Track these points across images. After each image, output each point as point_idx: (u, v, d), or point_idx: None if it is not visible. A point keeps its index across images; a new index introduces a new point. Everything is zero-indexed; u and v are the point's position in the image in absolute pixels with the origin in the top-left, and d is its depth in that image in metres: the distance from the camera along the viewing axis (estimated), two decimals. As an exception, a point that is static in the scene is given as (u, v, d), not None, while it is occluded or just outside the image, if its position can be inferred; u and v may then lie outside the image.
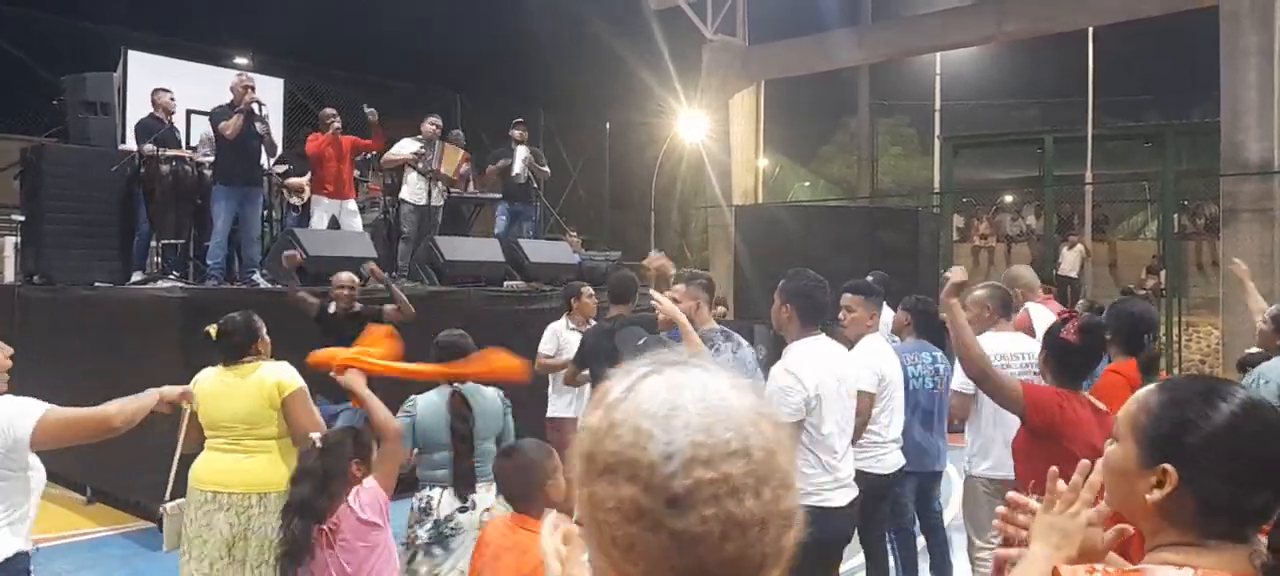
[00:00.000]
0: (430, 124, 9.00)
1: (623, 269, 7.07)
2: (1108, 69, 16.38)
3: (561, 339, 6.15)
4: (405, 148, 8.92)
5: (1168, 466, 1.18)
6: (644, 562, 0.77)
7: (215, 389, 3.81)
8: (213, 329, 3.86)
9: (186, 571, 3.69)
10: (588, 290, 6.42)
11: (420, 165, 8.83)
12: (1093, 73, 15.89)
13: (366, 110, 8.25)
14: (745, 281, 10.46)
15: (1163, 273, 14.94)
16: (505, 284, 8.54)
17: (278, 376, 3.79)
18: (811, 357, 3.40)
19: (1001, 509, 1.46)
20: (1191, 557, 1.15)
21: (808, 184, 26.41)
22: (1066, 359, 2.97)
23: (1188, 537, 1.17)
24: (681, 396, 0.80)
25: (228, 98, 7.66)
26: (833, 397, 3.40)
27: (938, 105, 20.77)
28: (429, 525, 3.53)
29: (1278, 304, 4.10)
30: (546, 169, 9.98)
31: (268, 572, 3.55)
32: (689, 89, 17.30)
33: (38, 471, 2.85)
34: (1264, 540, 1.16)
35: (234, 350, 3.84)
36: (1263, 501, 1.14)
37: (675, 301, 3.67)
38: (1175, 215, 16.86)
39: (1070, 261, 15.27)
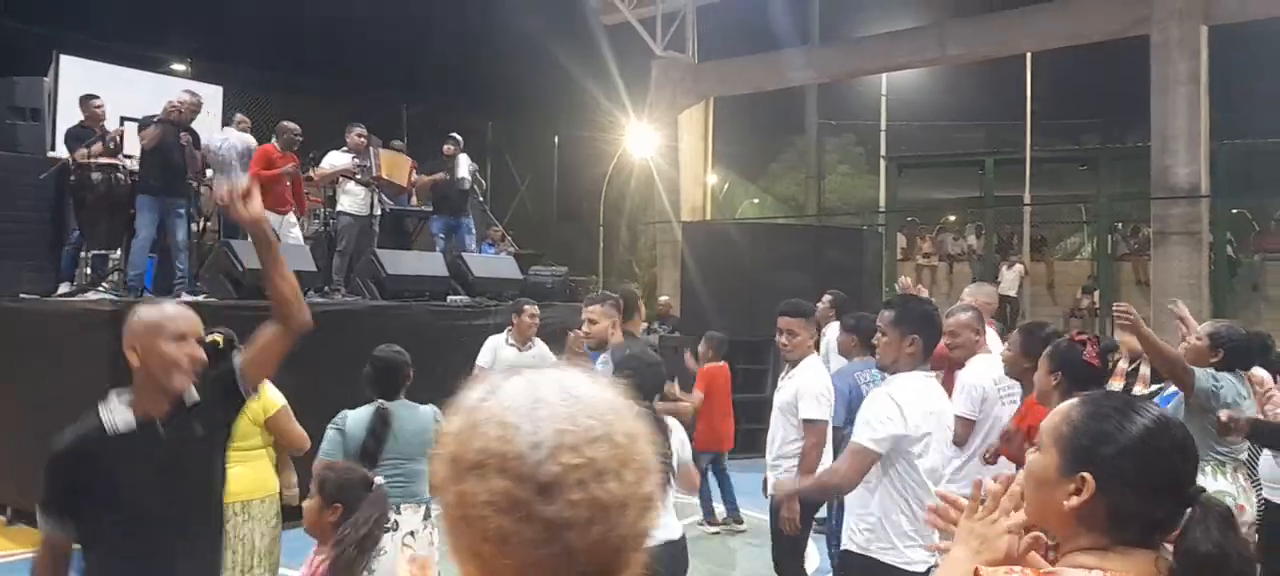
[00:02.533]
0: (357, 134, 8.80)
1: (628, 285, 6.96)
2: (1046, 93, 16.81)
3: (498, 354, 6.10)
4: (339, 160, 8.73)
5: (1086, 474, 1.24)
6: (519, 553, 0.80)
7: None
8: (219, 337, 3.74)
9: None
10: (531, 310, 6.39)
11: (360, 175, 8.67)
12: (1031, 97, 16.29)
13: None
14: (694, 296, 10.50)
15: (1097, 293, 15.34)
16: (448, 299, 8.43)
17: (260, 391, 3.74)
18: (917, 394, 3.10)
19: (932, 504, 1.51)
20: (1103, 561, 1.21)
21: (756, 201, 26.63)
22: (1090, 383, 2.89)
23: (1100, 542, 1.23)
24: (543, 392, 0.84)
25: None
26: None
27: (883, 125, 21.12)
28: None
29: (1212, 322, 4.21)
30: (484, 182, 9.89)
31: None
32: (638, 104, 17.34)
33: None
34: (1170, 547, 1.23)
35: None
36: (1168, 511, 1.21)
37: (592, 322, 3.66)
38: (1109, 236, 17.36)
39: (1010, 280, 15.61)
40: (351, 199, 8.68)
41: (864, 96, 21.59)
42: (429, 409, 3.84)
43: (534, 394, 0.84)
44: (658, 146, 16.90)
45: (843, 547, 3.19)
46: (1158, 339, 3.62)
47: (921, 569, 2.97)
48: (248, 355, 2.51)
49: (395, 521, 3.52)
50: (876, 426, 2.95)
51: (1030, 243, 17.11)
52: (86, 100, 7.90)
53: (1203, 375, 3.59)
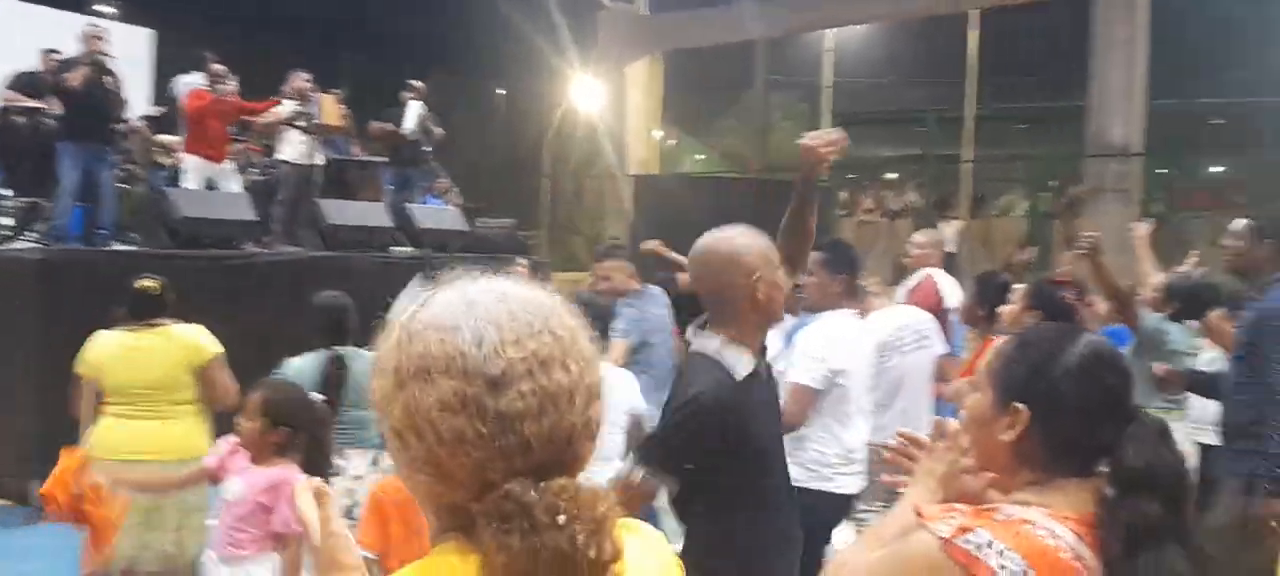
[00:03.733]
0: (301, 80, 8.54)
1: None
2: (989, 52, 17.03)
3: None
4: (278, 106, 8.49)
5: (1018, 404, 1.24)
6: (474, 451, 0.81)
7: (122, 353, 3.60)
8: (153, 283, 3.64)
9: None
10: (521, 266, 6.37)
11: (301, 122, 8.43)
12: (976, 55, 16.46)
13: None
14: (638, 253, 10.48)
15: (1032, 249, 15.73)
16: (393, 250, 8.29)
17: (194, 338, 3.63)
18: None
19: (894, 442, 1.51)
20: (1042, 497, 1.22)
21: (702, 156, 26.62)
22: (1063, 319, 3.06)
23: (1040, 477, 1.23)
24: (474, 297, 0.86)
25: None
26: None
27: (829, 82, 21.22)
28: None
29: (1167, 274, 4.33)
30: (439, 131, 9.69)
31: (190, 537, 3.46)
32: (585, 56, 17.13)
33: None
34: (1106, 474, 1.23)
35: (157, 308, 3.62)
36: (1107, 435, 1.21)
37: (606, 278, 3.66)
38: (1045, 194, 17.77)
39: (949, 237, 15.89)
40: (292, 147, 8.46)
41: (810, 53, 21.63)
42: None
43: (465, 299, 0.86)
44: (605, 99, 16.74)
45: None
46: (1110, 272, 3.74)
47: (851, 491, 3.13)
48: None
49: (339, 467, 3.48)
50: (813, 363, 3.06)
51: (970, 200, 17.42)
52: (48, 54, 7.60)
53: (1152, 318, 3.72)
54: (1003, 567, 1.13)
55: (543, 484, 0.80)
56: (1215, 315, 4.13)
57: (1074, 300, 3.22)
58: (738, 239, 2.19)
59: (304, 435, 2.89)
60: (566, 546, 0.78)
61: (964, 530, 1.17)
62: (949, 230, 16.20)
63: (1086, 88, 13.04)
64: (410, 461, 0.84)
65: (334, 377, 3.59)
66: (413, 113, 9.17)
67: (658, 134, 19.02)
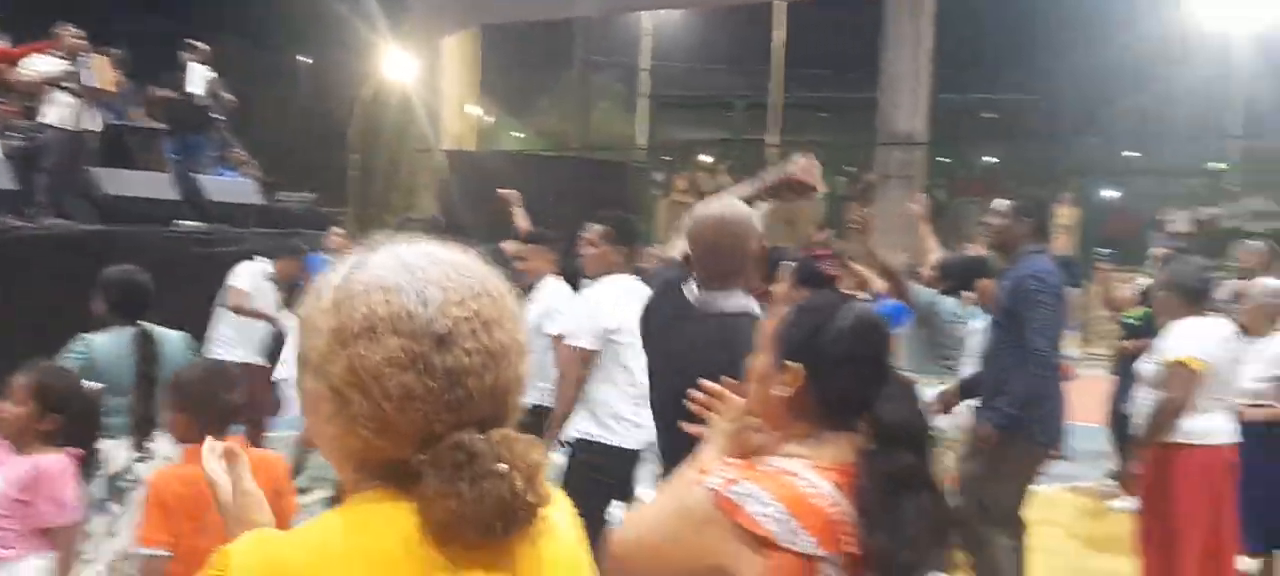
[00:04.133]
0: (71, 36, 7.69)
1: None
2: (793, 43, 17.85)
3: (258, 286, 5.69)
4: (43, 64, 7.62)
5: (792, 364, 1.36)
6: (422, 406, 0.84)
7: None
8: None
9: None
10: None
11: (70, 83, 7.63)
12: (782, 46, 17.22)
13: None
14: (455, 228, 10.29)
15: (829, 231, 16.68)
16: (179, 224, 7.72)
17: None
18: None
19: (697, 394, 1.58)
20: (810, 449, 1.34)
21: (521, 135, 26.43)
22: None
23: (808, 430, 1.36)
24: (411, 259, 0.89)
25: None
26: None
27: (646, 65, 21.59)
28: (101, 480, 3.13)
29: (940, 254, 4.70)
30: (231, 97, 9.03)
31: None
32: (396, 27, 16.55)
33: None
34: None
35: None
36: (869, 394, 1.35)
37: (521, 260, 3.61)
38: (841, 179, 18.91)
39: (757, 219, 16.64)
40: (58, 110, 7.63)
41: (628, 35, 21.92)
42: (179, 334, 3.51)
43: (402, 261, 0.88)
44: (419, 73, 16.27)
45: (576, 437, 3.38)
46: (880, 252, 4.05)
47: (636, 447, 3.29)
48: None
49: (150, 450, 3.20)
50: (579, 325, 3.31)
51: (776, 183, 18.27)
52: None
53: (926, 293, 4.05)
54: (765, 515, 1.24)
55: (486, 435, 0.85)
56: (987, 282, 4.59)
57: (834, 271, 3.56)
58: (742, 205, 2.39)
59: (75, 423, 2.68)
60: (507, 492, 0.83)
61: (732, 482, 1.27)
62: (755, 212, 17.00)
63: (877, 80, 13.96)
64: (351, 419, 0.85)
65: (148, 353, 3.30)
66: (197, 76, 8.50)
67: (474, 110, 18.68)
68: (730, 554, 1.25)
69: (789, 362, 1.37)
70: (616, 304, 3.34)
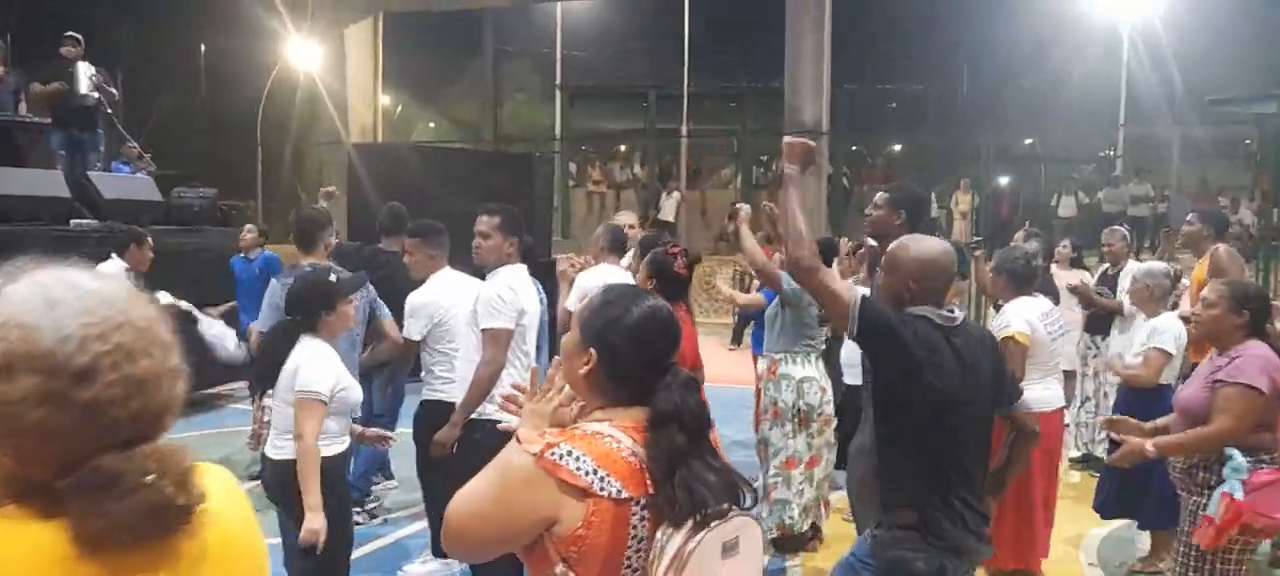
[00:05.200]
0: None
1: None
2: (703, 34, 18.10)
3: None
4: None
5: (590, 348, 1.56)
6: (60, 439, 0.87)
7: None
8: None
9: None
10: (149, 242, 6.03)
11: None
12: (689, 34, 17.45)
13: None
14: (361, 221, 10.18)
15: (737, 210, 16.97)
16: (72, 223, 7.49)
17: None
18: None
19: (505, 393, 1.84)
20: (609, 415, 1.55)
21: (433, 125, 26.09)
22: (675, 284, 3.96)
23: (606, 402, 1.57)
24: (54, 292, 0.91)
25: None
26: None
27: (558, 54, 21.54)
28: None
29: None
30: (115, 91, 8.76)
31: None
32: (298, 15, 16.19)
33: None
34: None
35: None
36: (649, 381, 1.55)
37: (484, 236, 3.61)
38: (753, 168, 19.29)
39: (669, 208, 16.85)
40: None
41: (541, 23, 21.84)
42: None
43: (45, 294, 0.90)
44: (324, 62, 15.95)
45: (480, 416, 3.50)
46: (754, 244, 4.30)
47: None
48: None
49: None
50: (497, 307, 3.43)
51: (687, 173, 18.50)
52: None
53: (789, 278, 4.33)
54: (581, 469, 1.44)
55: (130, 452, 0.89)
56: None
57: (682, 268, 4.04)
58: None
59: None
60: (157, 500, 0.88)
61: (551, 446, 1.47)
62: (669, 202, 17.20)
63: (783, 71, 14.29)
64: None
65: None
66: (82, 71, 8.23)
67: (384, 101, 18.41)
68: (555, 505, 1.45)
69: (588, 346, 1.57)
70: (519, 291, 3.51)
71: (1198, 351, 4.10)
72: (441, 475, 3.38)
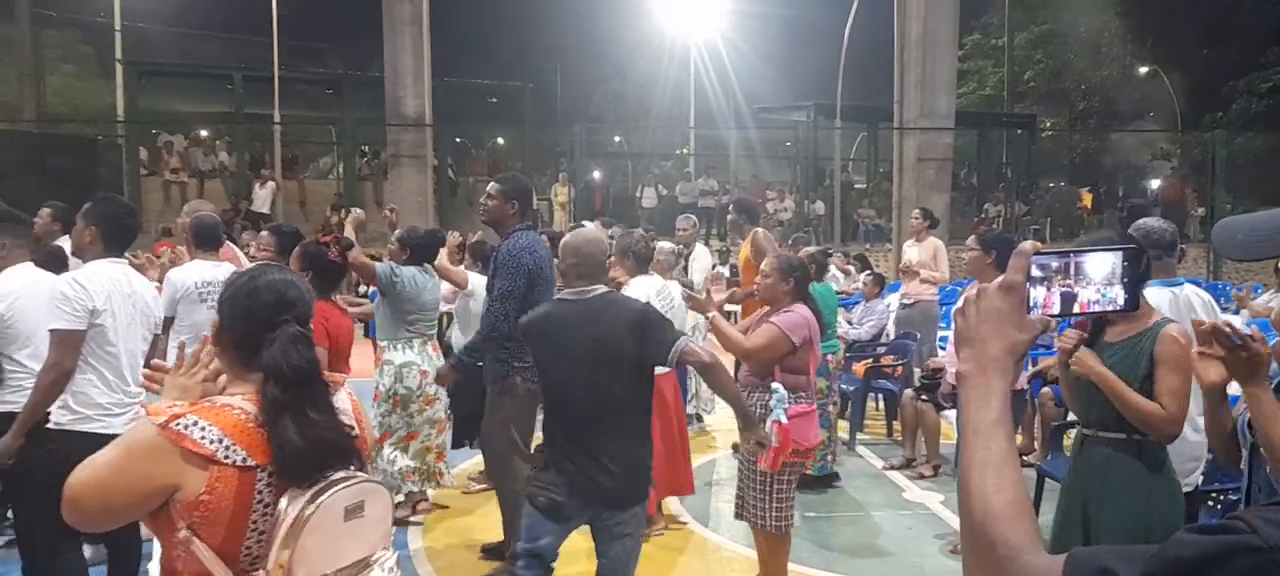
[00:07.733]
0: None
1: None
2: (291, 15, 17.13)
3: None
4: None
5: (217, 318, 1.69)
6: None
7: None
8: None
9: None
10: None
11: None
12: (278, 17, 16.41)
13: None
14: None
15: (345, 210, 16.45)
16: None
17: None
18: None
19: (155, 363, 1.82)
20: (244, 387, 1.65)
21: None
22: (330, 273, 3.94)
23: (240, 371, 1.67)
24: None
25: None
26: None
27: (118, 25, 19.05)
28: None
29: (404, 229, 5.06)
30: None
31: None
32: None
33: None
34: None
35: None
36: (259, 342, 1.63)
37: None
38: (356, 158, 18.69)
39: (263, 198, 15.75)
40: None
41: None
42: None
43: None
44: None
45: (53, 425, 3.13)
46: (358, 252, 4.45)
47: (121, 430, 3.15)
48: None
49: None
50: (67, 305, 3.11)
51: (283, 161, 17.43)
52: None
53: (385, 266, 4.56)
54: (205, 437, 1.52)
55: None
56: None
57: (335, 257, 4.01)
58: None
59: None
60: None
61: (176, 416, 1.53)
62: (263, 192, 16.03)
63: (382, 61, 14.12)
64: None
65: None
66: None
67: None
68: (178, 473, 1.51)
69: (217, 316, 1.71)
70: (101, 287, 3.20)
71: (747, 312, 4.95)
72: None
